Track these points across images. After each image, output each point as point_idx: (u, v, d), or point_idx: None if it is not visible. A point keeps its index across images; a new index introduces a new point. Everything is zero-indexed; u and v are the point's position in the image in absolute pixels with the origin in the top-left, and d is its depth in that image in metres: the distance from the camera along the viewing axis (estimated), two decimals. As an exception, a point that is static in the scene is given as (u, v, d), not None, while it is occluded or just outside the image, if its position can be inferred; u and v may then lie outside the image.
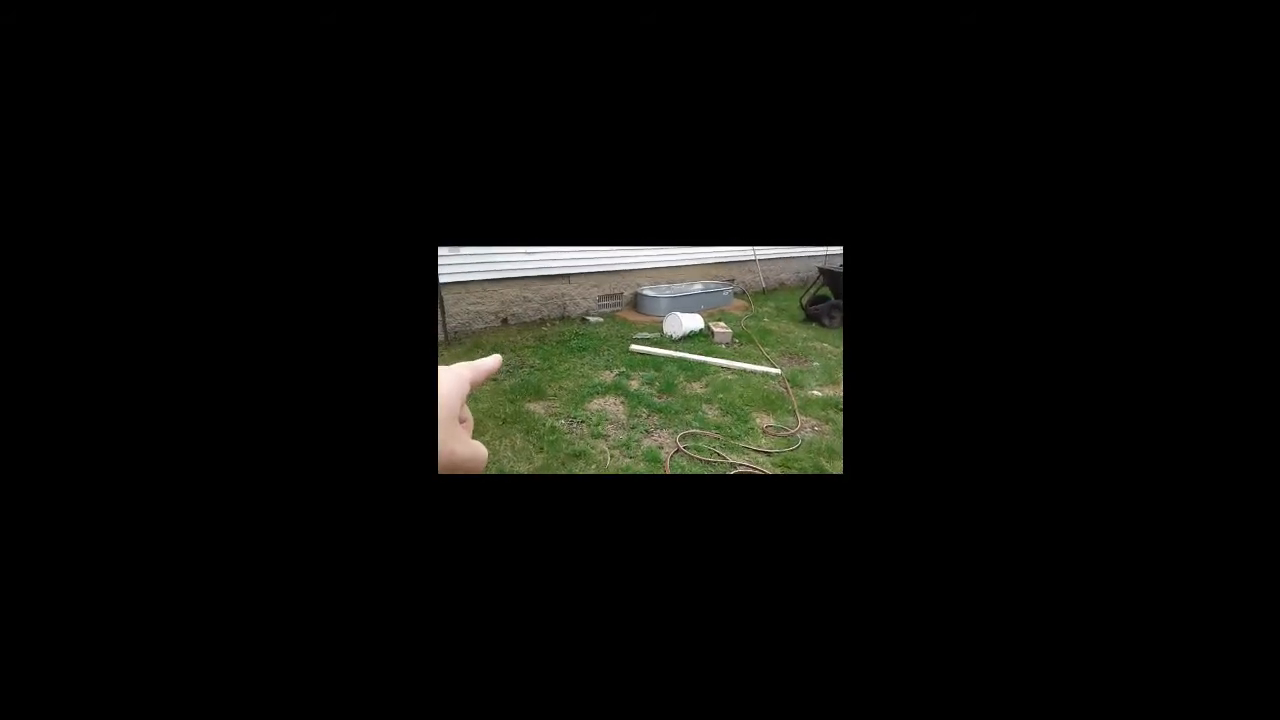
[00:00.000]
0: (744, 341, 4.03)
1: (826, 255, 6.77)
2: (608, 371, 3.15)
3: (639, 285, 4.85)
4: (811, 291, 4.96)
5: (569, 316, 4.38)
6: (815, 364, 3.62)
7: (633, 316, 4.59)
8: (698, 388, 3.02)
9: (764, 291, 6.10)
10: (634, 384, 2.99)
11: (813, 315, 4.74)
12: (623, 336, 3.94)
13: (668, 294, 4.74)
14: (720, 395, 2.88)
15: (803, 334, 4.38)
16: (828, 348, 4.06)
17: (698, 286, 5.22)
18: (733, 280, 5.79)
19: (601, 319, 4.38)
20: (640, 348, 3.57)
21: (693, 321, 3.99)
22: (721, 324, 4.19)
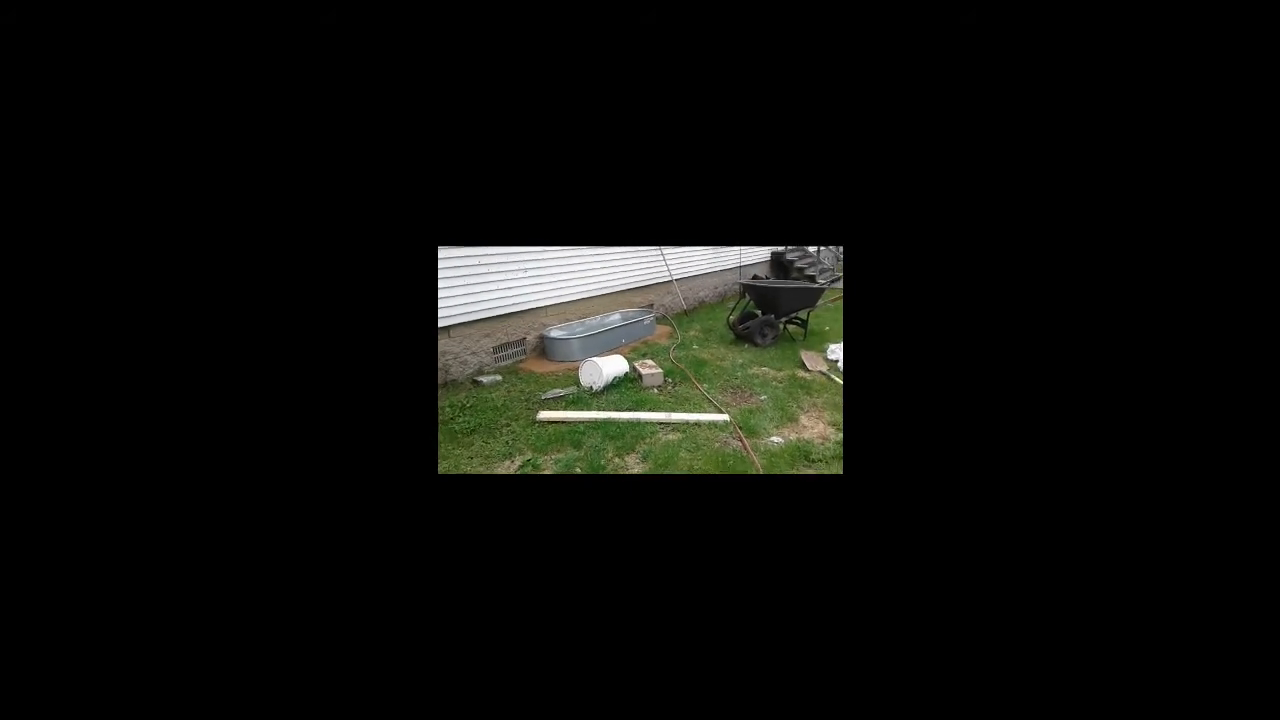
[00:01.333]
0: (678, 380, 3.38)
1: (741, 267, 6.48)
2: (508, 461, 2.28)
3: (544, 326, 4.02)
4: (739, 309, 4.52)
5: (454, 381, 3.41)
6: (764, 398, 3.06)
7: (541, 366, 3.74)
8: (633, 463, 2.26)
9: (685, 312, 5.58)
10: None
11: (743, 335, 4.28)
12: (528, 398, 3.07)
13: (581, 333, 3.98)
14: (664, 471, 2.14)
15: (738, 358, 3.86)
16: (770, 373, 3.55)
17: (615, 317, 4.52)
18: (651, 305, 5.19)
19: (499, 377, 3.47)
20: (550, 415, 2.74)
21: (615, 366, 3.25)
22: (649, 362, 3.50)
